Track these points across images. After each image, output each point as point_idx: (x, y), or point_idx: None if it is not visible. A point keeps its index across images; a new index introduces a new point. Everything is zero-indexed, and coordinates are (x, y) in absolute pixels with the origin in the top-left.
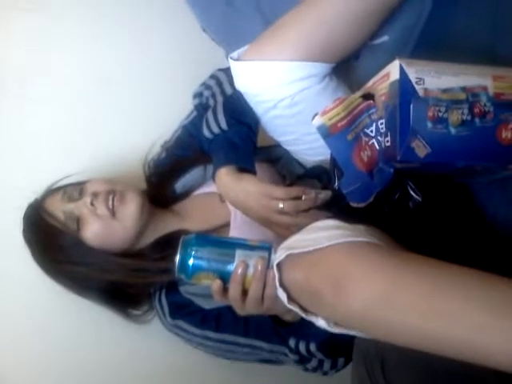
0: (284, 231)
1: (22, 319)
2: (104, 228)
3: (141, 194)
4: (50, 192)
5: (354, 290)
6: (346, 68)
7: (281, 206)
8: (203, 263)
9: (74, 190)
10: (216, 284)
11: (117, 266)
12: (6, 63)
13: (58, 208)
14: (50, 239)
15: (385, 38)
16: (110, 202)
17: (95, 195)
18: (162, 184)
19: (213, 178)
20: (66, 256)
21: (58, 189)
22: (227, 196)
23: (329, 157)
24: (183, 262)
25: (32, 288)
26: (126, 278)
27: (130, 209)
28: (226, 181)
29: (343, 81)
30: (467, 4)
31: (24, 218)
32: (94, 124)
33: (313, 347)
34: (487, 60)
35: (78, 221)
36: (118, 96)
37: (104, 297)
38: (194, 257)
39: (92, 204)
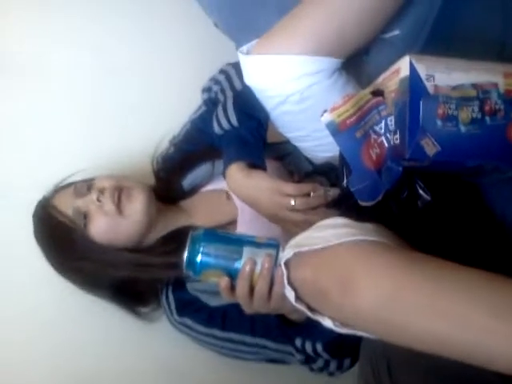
0: (294, 228)
1: (30, 315)
2: (111, 224)
3: (148, 190)
4: (58, 189)
5: (361, 289)
6: (356, 63)
7: (292, 202)
8: (211, 260)
9: (82, 186)
10: (224, 281)
11: (124, 261)
12: (8, 59)
13: (66, 204)
14: (59, 235)
15: (396, 32)
16: (117, 198)
17: (102, 191)
18: (170, 179)
19: (223, 174)
20: (74, 252)
21: (67, 185)
22: (238, 192)
23: (337, 153)
24: (191, 258)
25: (40, 285)
26: (133, 274)
27: (137, 206)
28: (237, 177)
29: (353, 76)
30: (476, 1)
31: (33, 215)
32: (101, 119)
33: (319, 347)
34: (497, 55)
35: (85, 217)
36: (126, 91)
37: (112, 293)
38: (202, 253)
39: (99, 200)
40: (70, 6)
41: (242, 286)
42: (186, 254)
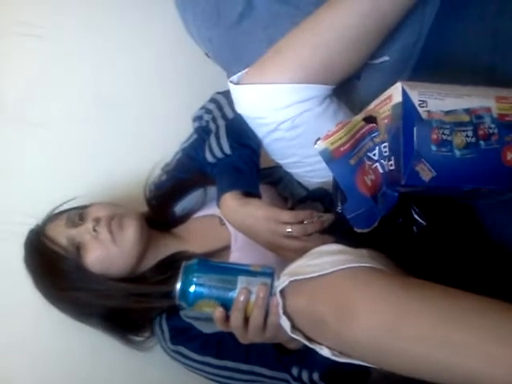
0: (291, 255)
1: (21, 346)
2: (106, 253)
3: (139, 218)
4: (52, 217)
5: (359, 317)
6: (348, 87)
7: (289, 230)
8: (205, 290)
9: (76, 215)
10: (218, 312)
11: (118, 291)
12: (6, 87)
13: (60, 234)
14: (52, 265)
15: (385, 58)
16: (113, 227)
17: (97, 221)
18: (162, 206)
19: (217, 203)
20: (68, 282)
21: (60, 214)
22: (233, 221)
23: (330, 178)
24: (184, 289)
25: (31, 316)
26: (127, 304)
27: (129, 234)
28: (232, 206)
29: (345, 101)
30: (466, 24)
31: (25, 243)
32: (94, 148)
33: (316, 376)
34: (487, 79)
35: (80, 247)
36: (119, 120)
37: (105, 323)
38: (195, 284)
39: (94, 230)
40: (65, 36)
41: (236, 317)
42: (178, 285)
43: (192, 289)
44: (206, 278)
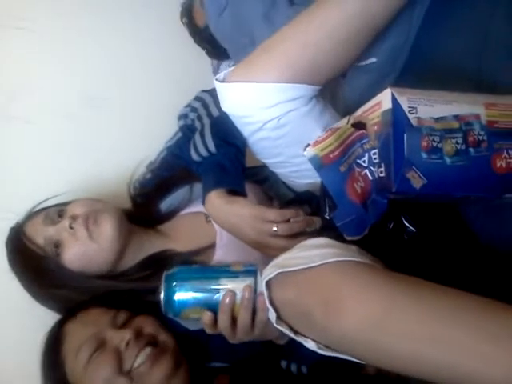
0: (277, 254)
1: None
2: (83, 251)
3: (118, 213)
4: (32, 215)
5: (347, 310)
6: (333, 85)
7: (274, 228)
8: (189, 298)
9: (55, 212)
10: (207, 316)
11: (99, 288)
12: None
13: (38, 232)
14: (32, 264)
15: (373, 60)
16: (89, 224)
17: (74, 218)
18: (147, 204)
19: (202, 202)
20: (48, 280)
21: (39, 211)
22: (218, 219)
23: (317, 180)
24: (168, 299)
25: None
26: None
27: (106, 230)
28: (217, 204)
29: (330, 99)
30: (456, 27)
31: (6, 242)
32: (78, 145)
33: (304, 369)
34: (474, 85)
35: (58, 245)
36: (103, 117)
37: None
38: (178, 291)
39: (71, 227)
40: (53, 32)
41: (223, 320)
42: (162, 296)
43: (176, 297)
44: (189, 285)
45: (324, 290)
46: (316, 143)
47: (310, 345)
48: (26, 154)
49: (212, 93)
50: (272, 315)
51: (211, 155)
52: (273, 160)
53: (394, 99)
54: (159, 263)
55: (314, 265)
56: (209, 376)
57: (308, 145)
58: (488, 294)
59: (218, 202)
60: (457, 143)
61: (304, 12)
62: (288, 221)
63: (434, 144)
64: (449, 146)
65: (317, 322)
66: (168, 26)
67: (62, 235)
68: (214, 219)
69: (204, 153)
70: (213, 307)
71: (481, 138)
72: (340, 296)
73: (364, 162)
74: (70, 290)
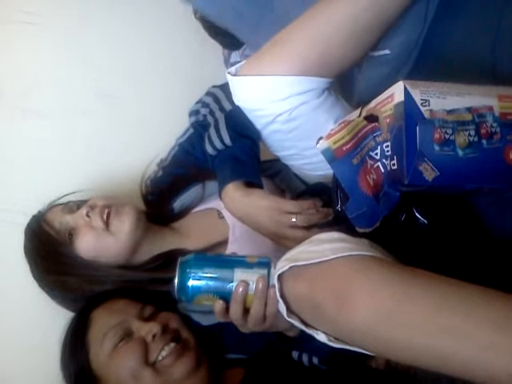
0: (295, 245)
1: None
2: (97, 240)
3: (138, 210)
4: (53, 205)
5: (357, 304)
6: (347, 79)
7: (293, 219)
8: (202, 284)
9: (74, 204)
10: (218, 305)
11: (109, 277)
12: (6, 76)
13: (56, 218)
14: (46, 248)
15: (386, 52)
16: (106, 215)
17: (92, 207)
18: (159, 203)
19: (219, 194)
20: (60, 266)
21: (61, 203)
22: (236, 212)
23: (328, 172)
24: (182, 284)
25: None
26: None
27: (125, 223)
28: (234, 196)
29: (344, 89)
30: (465, 22)
31: (26, 228)
32: (91, 141)
33: (315, 360)
34: (487, 78)
35: (73, 231)
36: (116, 114)
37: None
38: (192, 278)
39: (88, 215)
40: (67, 26)
41: (235, 309)
42: (176, 281)
43: (190, 283)
44: (203, 272)
45: (335, 283)
46: (329, 136)
47: (321, 337)
48: (38, 148)
49: (223, 88)
50: (282, 308)
51: (226, 148)
52: (285, 153)
53: (406, 92)
54: (171, 261)
55: (326, 259)
56: (224, 367)
57: (321, 137)
58: (499, 287)
59: (235, 194)
60: (469, 135)
61: (314, 5)
62: (306, 211)
63: (447, 136)
64: (461, 138)
65: (328, 315)
66: (181, 25)
67: (78, 223)
68: (231, 211)
69: (219, 146)
70: (225, 296)
71: (493, 129)
72: (351, 289)
73: (376, 154)
74: (80, 278)
